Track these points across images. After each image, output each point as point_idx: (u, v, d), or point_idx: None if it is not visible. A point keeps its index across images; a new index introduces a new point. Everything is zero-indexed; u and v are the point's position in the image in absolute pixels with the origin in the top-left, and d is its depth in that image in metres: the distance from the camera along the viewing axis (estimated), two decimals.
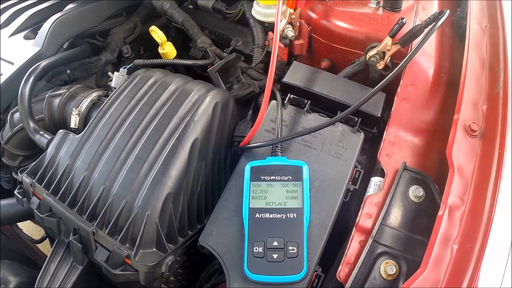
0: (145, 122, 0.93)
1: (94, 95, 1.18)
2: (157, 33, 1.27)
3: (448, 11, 0.89)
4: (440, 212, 0.74)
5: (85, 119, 1.15)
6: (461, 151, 0.82)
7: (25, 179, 0.96)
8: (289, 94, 0.99)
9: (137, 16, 1.57)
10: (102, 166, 0.89)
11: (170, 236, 0.85)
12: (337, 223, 0.84)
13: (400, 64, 0.87)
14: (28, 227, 1.81)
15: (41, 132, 1.08)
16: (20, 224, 1.54)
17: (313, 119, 0.95)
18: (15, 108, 1.20)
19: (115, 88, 1.16)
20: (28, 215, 1.16)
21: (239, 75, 1.17)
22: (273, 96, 0.98)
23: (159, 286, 0.87)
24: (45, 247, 1.59)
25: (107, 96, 1.19)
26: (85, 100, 1.16)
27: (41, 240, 1.46)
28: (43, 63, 1.20)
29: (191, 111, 0.91)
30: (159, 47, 1.31)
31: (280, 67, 1.19)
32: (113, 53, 1.45)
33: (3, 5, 1.51)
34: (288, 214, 0.79)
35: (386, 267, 0.76)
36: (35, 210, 0.93)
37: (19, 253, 1.43)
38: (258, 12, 1.29)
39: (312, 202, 0.82)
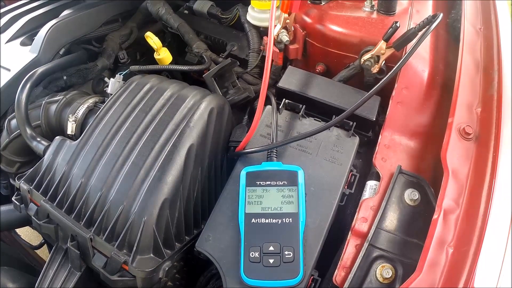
0: (141, 128, 0.93)
1: (90, 101, 1.18)
2: (152, 39, 1.27)
3: (441, 14, 0.90)
4: (435, 216, 0.75)
5: (81, 126, 1.15)
6: (456, 155, 0.82)
7: (23, 185, 0.96)
8: (284, 99, 0.99)
9: (133, 22, 1.57)
10: (99, 173, 0.90)
11: (167, 242, 0.86)
12: (333, 227, 0.84)
13: (395, 68, 0.87)
14: (26, 233, 1.81)
15: (38, 139, 1.08)
16: (18, 230, 1.54)
17: (308, 123, 0.95)
18: (12, 115, 1.21)
19: (111, 94, 1.16)
20: (26, 222, 1.16)
21: (234, 80, 1.17)
22: (268, 101, 0.98)
23: None
24: (44, 253, 1.58)
25: (103, 102, 1.19)
26: (81, 106, 1.17)
27: (39, 246, 1.46)
28: (40, 70, 1.20)
29: (186, 117, 0.92)
30: (155, 52, 1.32)
31: (275, 72, 1.19)
32: (109, 59, 1.46)
33: None
34: (284, 219, 0.79)
35: (382, 271, 0.76)
36: (32, 217, 0.93)
37: (18, 259, 1.43)
38: (253, 16, 1.30)
39: (308, 206, 0.82)
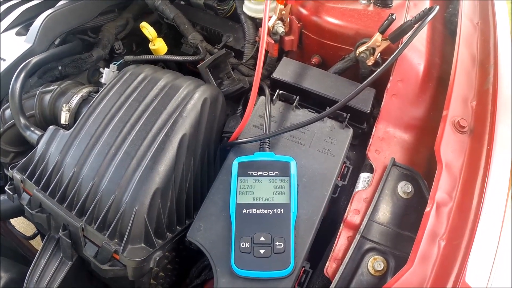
0: (134, 118, 0.92)
1: (84, 91, 1.18)
2: (147, 29, 1.26)
3: (437, 7, 0.89)
4: (427, 209, 0.75)
5: (75, 115, 1.15)
6: (450, 147, 0.82)
7: (16, 175, 0.96)
8: (278, 90, 0.99)
9: (129, 12, 1.57)
10: (91, 162, 0.89)
11: (159, 232, 0.85)
12: (326, 219, 0.84)
13: (389, 60, 0.87)
14: (22, 224, 1.81)
15: (32, 128, 1.08)
16: (12, 221, 1.54)
17: (301, 114, 0.95)
18: (6, 105, 1.20)
19: (105, 84, 1.15)
20: (20, 212, 1.16)
21: (229, 71, 1.17)
22: (262, 92, 0.98)
23: (147, 281, 0.87)
24: (38, 243, 1.58)
25: (97, 92, 1.19)
26: (75, 96, 1.16)
27: (33, 236, 1.47)
28: (34, 59, 1.20)
29: (179, 107, 0.91)
30: (150, 43, 1.31)
31: (270, 63, 1.18)
32: (104, 49, 1.45)
33: None
34: (275, 210, 0.79)
35: (374, 263, 0.76)
36: (25, 206, 0.93)
37: (11, 249, 1.43)
38: (249, 8, 1.29)
39: (300, 197, 0.82)
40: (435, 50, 1.08)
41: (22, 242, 1.55)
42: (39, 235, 1.44)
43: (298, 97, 0.96)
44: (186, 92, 0.94)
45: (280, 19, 1.10)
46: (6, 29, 1.38)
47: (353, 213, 0.82)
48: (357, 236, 0.78)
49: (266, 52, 1.15)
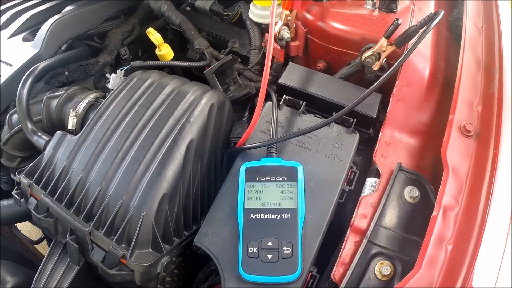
0: (141, 123, 0.93)
1: (91, 96, 1.19)
2: (154, 35, 1.27)
3: (442, 12, 0.89)
4: (434, 213, 0.75)
5: (82, 121, 1.16)
6: (456, 152, 0.82)
7: (23, 180, 0.96)
8: (284, 95, 0.99)
9: (135, 18, 1.57)
10: (98, 167, 0.90)
11: (166, 237, 0.86)
12: (332, 224, 0.84)
13: (395, 65, 0.87)
14: (27, 228, 1.81)
15: (39, 133, 1.09)
16: (18, 225, 1.54)
17: (308, 120, 0.95)
18: (13, 110, 1.21)
19: (112, 89, 1.16)
20: (26, 216, 1.16)
21: (235, 76, 1.17)
22: (269, 97, 0.98)
23: (155, 286, 0.87)
24: (44, 248, 1.59)
25: (104, 97, 1.20)
26: (82, 101, 1.17)
27: (39, 241, 1.46)
28: (41, 65, 1.21)
29: (187, 113, 0.92)
30: (156, 49, 1.32)
31: (276, 69, 1.19)
32: (111, 55, 1.46)
33: (2, 7, 1.51)
34: (283, 215, 0.79)
35: (381, 268, 0.76)
36: (32, 211, 0.93)
37: (17, 253, 1.43)
38: (255, 13, 1.30)
39: (307, 202, 0.82)
40: (440, 55, 1.08)
41: (28, 246, 1.55)
42: (45, 240, 1.45)
43: (304, 102, 0.97)
44: (193, 97, 0.95)
45: (286, 24, 1.11)
46: (13, 35, 1.40)
47: (360, 218, 0.82)
48: (364, 241, 0.78)
49: (272, 57, 1.16)
